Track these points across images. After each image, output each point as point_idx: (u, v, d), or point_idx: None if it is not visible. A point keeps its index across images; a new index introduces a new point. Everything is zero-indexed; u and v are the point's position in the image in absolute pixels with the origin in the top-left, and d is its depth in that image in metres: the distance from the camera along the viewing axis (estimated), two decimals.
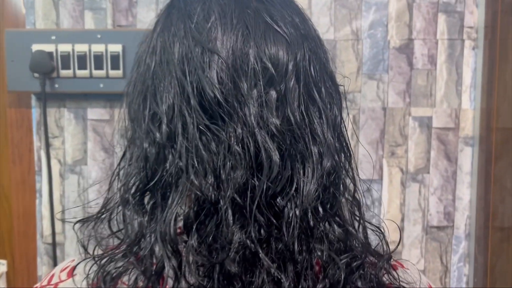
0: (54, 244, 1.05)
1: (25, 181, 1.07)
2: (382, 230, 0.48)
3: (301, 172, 0.42)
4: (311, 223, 0.41)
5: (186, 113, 0.42)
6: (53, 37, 0.98)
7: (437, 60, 1.04)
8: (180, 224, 0.42)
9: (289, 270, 0.41)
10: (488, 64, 1.01)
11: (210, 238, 0.40)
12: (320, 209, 0.42)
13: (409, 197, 1.06)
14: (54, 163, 1.06)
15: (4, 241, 1.09)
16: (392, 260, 0.47)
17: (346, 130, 0.48)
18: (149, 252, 0.42)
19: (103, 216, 0.46)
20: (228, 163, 0.41)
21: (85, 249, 0.45)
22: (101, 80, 0.99)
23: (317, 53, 0.46)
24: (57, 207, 1.06)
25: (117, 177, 0.47)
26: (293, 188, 0.41)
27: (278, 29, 0.43)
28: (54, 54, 0.98)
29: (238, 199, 0.40)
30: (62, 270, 0.47)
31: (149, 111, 0.44)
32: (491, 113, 1.01)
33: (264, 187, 0.40)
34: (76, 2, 1.03)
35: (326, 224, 0.43)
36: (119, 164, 0.47)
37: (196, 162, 0.41)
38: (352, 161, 0.47)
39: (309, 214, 0.41)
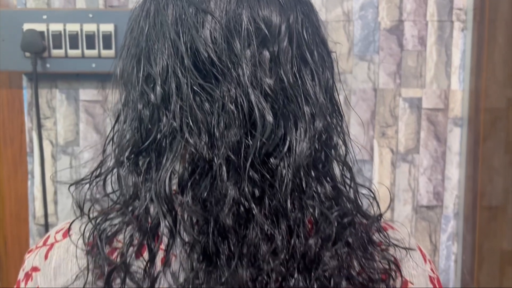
0: (46, 226, 1.05)
1: (17, 162, 1.06)
2: (373, 191, 0.49)
3: (294, 131, 0.43)
4: (304, 181, 0.42)
5: (180, 74, 0.42)
6: (44, 17, 0.98)
7: (427, 41, 1.05)
8: (175, 187, 0.43)
9: (282, 226, 0.41)
10: (477, 46, 1.03)
11: (205, 194, 0.41)
12: (312, 168, 0.43)
13: (399, 177, 1.08)
14: (46, 144, 1.06)
15: None
16: (382, 221, 0.49)
17: (338, 95, 0.49)
18: (144, 210, 0.42)
19: (97, 178, 0.46)
20: (222, 122, 0.41)
21: (81, 209, 0.45)
22: (93, 60, 0.99)
23: (310, 17, 0.46)
24: (50, 188, 1.06)
25: (111, 141, 0.47)
26: (286, 147, 0.42)
27: None
28: (46, 34, 0.97)
29: (232, 156, 0.41)
30: (57, 232, 0.47)
31: (143, 73, 0.45)
32: (479, 94, 1.03)
33: (258, 145, 0.41)
34: None
35: (318, 182, 0.43)
36: (113, 128, 0.48)
37: (190, 121, 0.42)
38: (344, 125, 0.48)
39: (302, 172, 0.42)
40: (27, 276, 0.46)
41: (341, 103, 0.49)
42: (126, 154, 0.45)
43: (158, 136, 0.43)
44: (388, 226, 0.50)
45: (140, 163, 0.45)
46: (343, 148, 0.47)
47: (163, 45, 0.44)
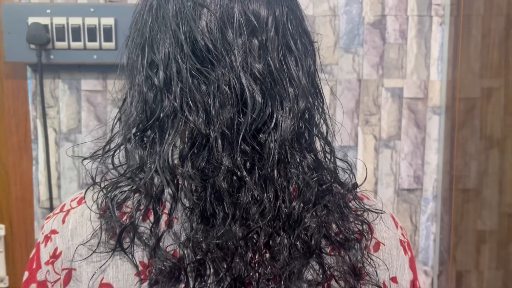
0: (51, 209, 1.11)
1: (22, 148, 1.12)
2: (350, 163, 0.56)
3: (280, 110, 0.49)
4: (288, 153, 0.49)
5: (180, 60, 0.49)
6: (48, 11, 1.03)
7: (408, 35, 1.12)
8: (176, 161, 0.49)
9: (269, 192, 0.48)
10: (454, 39, 1.10)
11: (203, 164, 0.47)
12: (296, 142, 0.50)
13: (382, 162, 1.15)
14: (49, 132, 1.12)
15: (2, 207, 1.14)
16: (359, 192, 0.55)
17: (320, 81, 0.55)
18: (149, 180, 0.48)
19: (107, 153, 0.52)
20: (217, 101, 0.48)
21: (93, 180, 0.52)
22: (94, 52, 1.05)
23: (294, 10, 0.53)
24: (53, 173, 1.12)
25: (119, 121, 0.54)
26: (273, 123, 0.49)
27: None
28: (50, 27, 1.03)
29: (226, 131, 0.47)
30: (72, 200, 0.53)
31: (147, 60, 0.51)
32: (455, 84, 1.10)
33: (249, 122, 0.48)
34: None
35: (301, 154, 0.50)
36: (120, 109, 0.54)
37: (189, 101, 0.48)
38: (325, 106, 0.55)
39: (286, 145, 0.49)
40: (47, 238, 0.52)
41: (324, 91, 0.55)
42: (133, 131, 0.51)
43: (161, 115, 0.49)
44: (364, 196, 0.57)
45: (145, 139, 0.51)
46: (324, 126, 0.53)
47: (165, 35, 0.50)
